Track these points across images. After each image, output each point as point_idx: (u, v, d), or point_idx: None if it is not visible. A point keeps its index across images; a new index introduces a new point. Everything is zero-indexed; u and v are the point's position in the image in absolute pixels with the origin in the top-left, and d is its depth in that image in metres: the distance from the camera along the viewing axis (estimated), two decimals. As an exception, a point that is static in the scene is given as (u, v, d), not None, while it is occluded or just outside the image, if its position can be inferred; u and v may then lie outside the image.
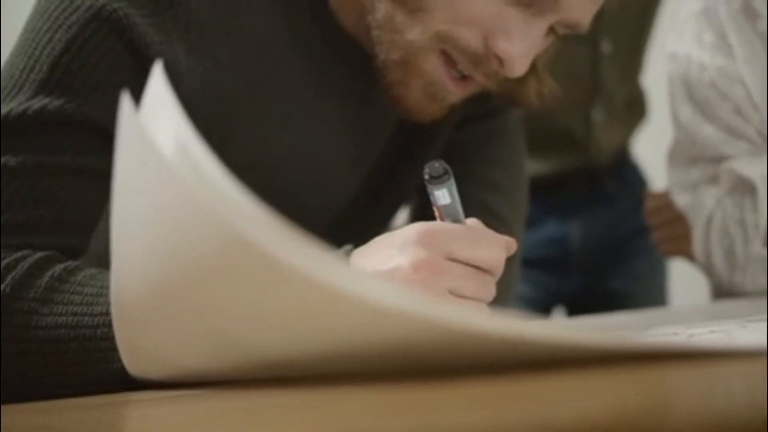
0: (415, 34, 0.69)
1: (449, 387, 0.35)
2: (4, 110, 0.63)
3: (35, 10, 0.67)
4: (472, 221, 0.58)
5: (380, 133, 0.83)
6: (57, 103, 0.63)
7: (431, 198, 0.57)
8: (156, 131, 0.37)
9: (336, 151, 0.79)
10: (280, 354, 0.42)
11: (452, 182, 0.56)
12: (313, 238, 0.36)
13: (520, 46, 0.69)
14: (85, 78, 0.63)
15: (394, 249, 0.54)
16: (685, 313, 0.84)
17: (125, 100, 0.36)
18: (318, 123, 0.76)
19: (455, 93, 0.73)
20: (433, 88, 0.72)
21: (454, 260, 0.55)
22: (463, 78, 0.72)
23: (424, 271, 0.53)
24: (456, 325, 0.34)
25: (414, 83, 0.72)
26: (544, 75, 0.79)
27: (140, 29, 0.64)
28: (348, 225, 0.82)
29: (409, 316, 0.35)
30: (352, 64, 0.76)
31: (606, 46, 1.36)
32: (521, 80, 0.74)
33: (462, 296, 0.55)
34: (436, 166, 0.55)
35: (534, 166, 1.33)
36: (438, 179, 0.55)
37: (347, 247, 0.58)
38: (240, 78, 0.70)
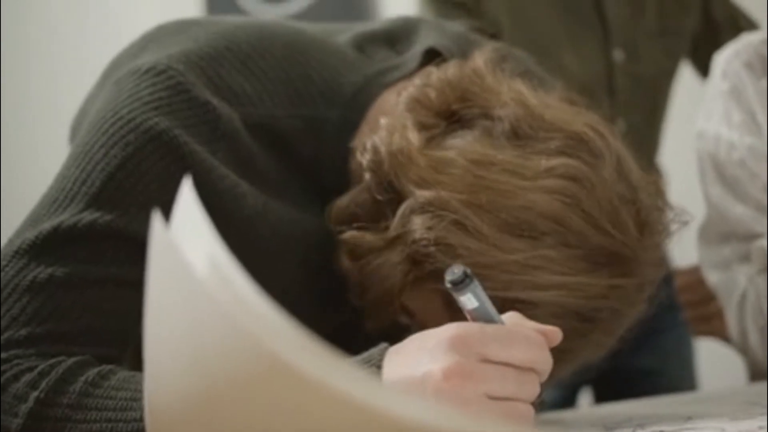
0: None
1: None
2: (55, 221, 0.63)
3: (90, 124, 0.67)
4: (511, 315, 0.57)
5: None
6: (108, 218, 0.63)
7: (459, 304, 0.55)
8: (187, 247, 0.36)
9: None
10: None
11: (476, 284, 0.54)
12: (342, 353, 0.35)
13: None
14: (137, 196, 0.64)
15: (426, 353, 0.53)
16: (724, 397, 0.81)
17: (156, 217, 0.36)
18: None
19: None
20: None
21: (489, 362, 0.53)
22: None
23: (455, 379, 0.51)
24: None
25: None
26: None
27: (200, 156, 0.65)
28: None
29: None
30: None
31: (620, 124, 1.36)
32: None
33: (500, 398, 0.52)
34: (455, 272, 0.53)
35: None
36: (460, 284, 0.53)
37: (382, 345, 0.56)
38: (285, 207, 0.71)
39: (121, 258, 0.63)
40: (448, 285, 0.53)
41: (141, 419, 0.54)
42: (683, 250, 1.13)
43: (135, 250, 0.63)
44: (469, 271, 0.53)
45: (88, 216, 0.63)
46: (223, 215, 0.64)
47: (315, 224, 0.72)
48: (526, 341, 0.54)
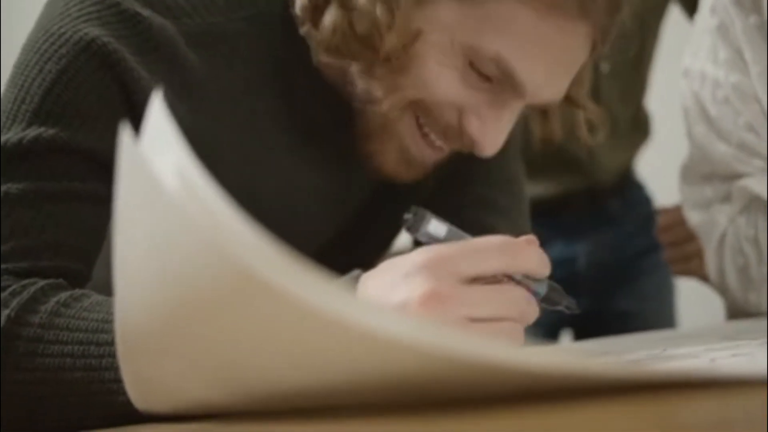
0: (389, 104, 0.71)
1: (462, 419, 0.34)
2: (1, 140, 0.63)
3: (25, 45, 0.68)
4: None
5: (365, 179, 0.83)
6: (51, 132, 0.63)
7: (430, 242, 0.56)
8: (157, 162, 0.36)
9: (319, 197, 0.80)
10: (289, 385, 0.41)
11: (431, 215, 0.56)
12: (320, 268, 0.35)
13: (492, 129, 0.71)
14: (77, 108, 0.64)
15: (400, 279, 0.52)
16: (700, 334, 0.82)
17: (124, 132, 0.35)
18: (301, 170, 0.77)
19: (431, 156, 0.75)
20: (408, 155, 0.74)
21: (468, 280, 0.52)
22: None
23: (433, 303, 0.51)
24: (464, 356, 0.33)
25: (389, 150, 0.74)
26: (588, 104, 0.81)
27: (129, 64, 0.65)
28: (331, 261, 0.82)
29: (417, 347, 0.34)
30: (335, 113, 0.76)
31: (604, 66, 1.35)
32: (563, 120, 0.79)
33: (483, 319, 0.52)
34: (407, 217, 0.56)
35: (538, 189, 1.33)
36: (416, 220, 0.55)
37: (356, 272, 0.56)
38: (219, 125, 0.71)
39: (71, 172, 0.64)
40: (410, 230, 0.55)
41: (112, 342, 0.53)
42: (666, 190, 1.13)
43: (84, 162, 0.64)
44: (420, 210, 0.55)
45: (32, 132, 0.63)
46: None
47: (277, 125, 0.73)
48: (496, 247, 0.54)
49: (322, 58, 0.73)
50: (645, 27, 1.38)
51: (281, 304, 0.34)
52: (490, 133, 0.71)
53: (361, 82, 0.72)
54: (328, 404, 0.42)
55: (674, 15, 1.43)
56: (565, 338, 1.55)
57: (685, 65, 0.96)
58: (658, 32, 1.42)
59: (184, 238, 0.35)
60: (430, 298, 0.51)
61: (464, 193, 0.88)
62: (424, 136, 0.73)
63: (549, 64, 0.69)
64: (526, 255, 0.55)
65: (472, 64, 0.68)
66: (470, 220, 0.84)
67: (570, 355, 0.34)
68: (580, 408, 0.33)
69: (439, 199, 0.86)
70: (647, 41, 1.40)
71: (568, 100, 0.77)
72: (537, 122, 0.82)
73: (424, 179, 0.85)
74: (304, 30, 0.72)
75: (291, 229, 0.77)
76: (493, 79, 0.69)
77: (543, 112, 0.81)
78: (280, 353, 0.38)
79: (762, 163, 0.92)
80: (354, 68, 0.72)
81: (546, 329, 1.45)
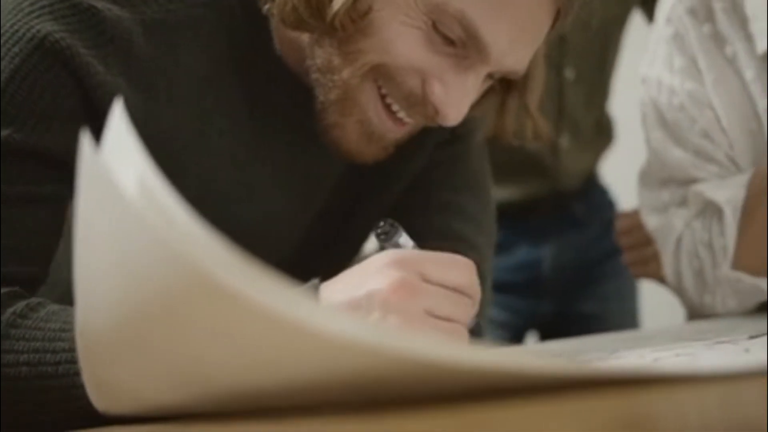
0: (350, 71, 0.69)
1: (419, 417, 0.35)
2: None
3: None
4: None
5: (330, 169, 0.83)
6: (5, 133, 0.62)
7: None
8: (117, 171, 0.37)
9: (282, 187, 0.79)
10: (248, 387, 0.42)
11: (402, 230, 0.60)
12: (276, 274, 0.36)
13: (456, 95, 0.69)
14: (31, 107, 0.63)
15: (368, 274, 0.55)
16: (656, 335, 0.84)
17: (85, 141, 0.37)
18: (263, 159, 0.76)
19: (393, 130, 0.73)
20: (370, 127, 0.72)
21: (428, 281, 0.56)
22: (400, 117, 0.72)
23: (401, 292, 0.54)
24: (421, 356, 0.34)
25: (349, 123, 0.71)
26: (537, 115, 0.80)
27: (84, 59, 0.64)
28: (304, 263, 0.82)
29: (374, 349, 0.35)
30: (297, 101, 0.76)
31: (569, 72, 1.37)
32: (516, 120, 0.77)
33: (439, 317, 0.56)
34: (381, 226, 0.60)
35: (503, 193, 1.34)
36: (391, 236, 0.60)
37: (314, 281, 0.58)
38: (179, 115, 0.70)
39: (25, 175, 0.63)
40: (381, 238, 0.58)
41: (69, 350, 0.54)
42: (629, 194, 1.15)
43: (39, 164, 0.63)
44: (394, 222, 0.59)
45: None
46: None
47: (240, 110, 0.73)
48: (460, 265, 0.58)
49: (282, 34, 0.72)
50: (608, 34, 1.40)
51: (235, 307, 0.35)
52: (454, 100, 0.69)
53: (321, 52, 0.70)
54: (287, 404, 0.43)
55: (637, 21, 1.45)
56: (530, 340, 1.57)
57: (643, 73, 0.98)
58: (621, 39, 1.44)
59: (145, 246, 0.36)
60: (401, 287, 0.54)
61: (432, 198, 0.88)
62: (386, 107, 0.71)
63: (513, 27, 0.67)
64: (477, 283, 0.59)
65: (435, 27, 0.67)
66: (438, 225, 0.85)
67: (511, 355, 0.36)
68: (530, 404, 0.34)
69: (406, 204, 0.87)
70: (610, 48, 1.43)
71: (522, 105, 0.78)
72: (493, 116, 0.81)
73: (391, 179, 0.86)
74: (266, 8, 0.70)
75: (253, 219, 0.78)
76: (457, 42, 0.67)
77: (501, 105, 0.80)
78: (235, 355, 0.39)
79: (716, 169, 0.94)
80: (313, 39, 0.70)
81: (511, 331, 1.47)
